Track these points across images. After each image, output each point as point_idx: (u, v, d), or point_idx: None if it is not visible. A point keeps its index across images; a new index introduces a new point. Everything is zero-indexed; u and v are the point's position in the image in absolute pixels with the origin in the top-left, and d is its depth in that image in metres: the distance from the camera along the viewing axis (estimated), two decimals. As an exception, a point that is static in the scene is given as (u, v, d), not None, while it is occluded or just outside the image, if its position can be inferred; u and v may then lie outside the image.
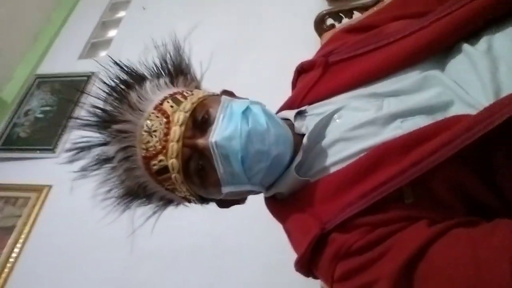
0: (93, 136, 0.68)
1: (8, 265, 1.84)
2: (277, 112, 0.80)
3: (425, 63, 0.65)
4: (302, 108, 0.75)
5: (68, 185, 2.04)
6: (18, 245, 1.89)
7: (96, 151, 0.68)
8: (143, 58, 0.71)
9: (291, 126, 0.73)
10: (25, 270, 1.84)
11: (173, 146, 0.62)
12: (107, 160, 0.68)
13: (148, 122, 0.64)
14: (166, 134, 0.63)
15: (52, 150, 2.19)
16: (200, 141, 0.62)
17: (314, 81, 0.75)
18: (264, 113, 0.66)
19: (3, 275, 1.81)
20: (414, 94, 0.63)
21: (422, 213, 0.55)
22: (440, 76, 0.62)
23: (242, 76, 2.06)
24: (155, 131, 0.63)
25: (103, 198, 0.70)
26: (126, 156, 0.66)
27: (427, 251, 0.50)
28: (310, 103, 0.75)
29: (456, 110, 0.58)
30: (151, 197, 0.71)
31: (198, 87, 0.77)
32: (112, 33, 2.88)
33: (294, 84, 0.86)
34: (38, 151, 2.23)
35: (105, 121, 0.67)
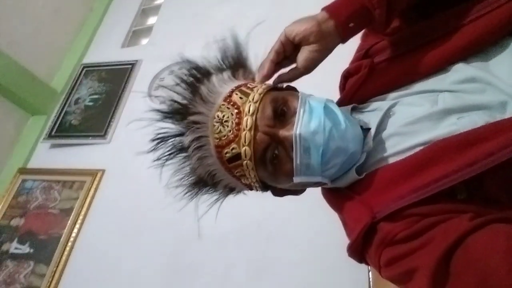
0: (170, 127, 0.73)
1: (69, 243, 1.97)
2: None
3: (472, 57, 0.66)
4: (355, 105, 0.77)
5: (119, 170, 2.14)
6: (77, 226, 2.02)
7: (173, 141, 0.73)
8: (205, 53, 0.75)
9: None
10: (84, 248, 1.97)
11: (246, 135, 0.65)
12: (182, 149, 0.73)
13: (219, 113, 0.68)
14: (238, 124, 0.65)
15: (103, 137, 2.29)
16: (282, 132, 0.65)
17: (361, 81, 0.77)
18: (341, 112, 0.68)
19: (65, 253, 1.95)
20: (468, 94, 0.64)
21: (471, 208, 0.56)
22: (488, 77, 0.62)
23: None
24: (226, 121, 0.66)
25: (176, 185, 0.75)
26: (199, 145, 0.70)
27: (465, 241, 0.51)
28: (359, 103, 0.78)
29: (511, 110, 0.59)
30: (217, 185, 0.75)
31: (254, 79, 0.79)
32: (152, 20, 2.94)
33: (341, 88, 0.87)
34: (90, 138, 2.33)
35: (180, 113, 0.71)
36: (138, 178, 2.02)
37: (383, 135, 0.69)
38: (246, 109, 0.66)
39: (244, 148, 0.65)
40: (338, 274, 1.45)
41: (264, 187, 0.75)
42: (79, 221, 2.03)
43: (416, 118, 0.65)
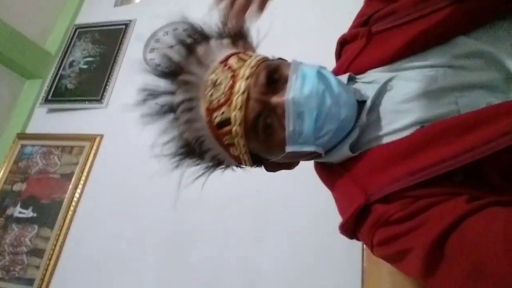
0: (160, 84, 0.70)
1: (72, 208, 2.00)
2: None
3: (478, 30, 0.62)
4: (351, 74, 0.74)
5: (118, 135, 2.12)
6: (78, 190, 2.04)
7: (162, 99, 0.70)
8: (206, 18, 0.71)
9: None
10: (86, 212, 2.00)
11: (238, 99, 0.62)
12: (171, 109, 0.70)
13: (213, 76, 0.66)
14: (231, 87, 0.63)
15: (100, 101, 2.26)
16: (275, 99, 0.63)
17: (358, 51, 0.74)
18: (334, 78, 0.66)
19: (68, 217, 1.98)
20: (470, 71, 0.61)
21: (467, 190, 0.55)
22: (493, 52, 0.59)
23: (281, 27, 1.99)
24: (219, 84, 0.64)
25: (160, 149, 0.73)
26: (190, 107, 0.67)
27: (461, 224, 0.50)
28: (356, 73, 0.74)
29: None
30: (204, 154, 0.72)
31: (254, 51, 0.77)
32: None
33: (337, 55, 0.84)
34: (86, 102, 2.30)
35: (173, 71, 0.69)
36: (136, 142, 2.01)
37: (379, 111, 0.67)
38: (241, 73, 0.64)
39: (234, 112, 0.63)
40: (334, 241, 1.46)
41: (254, 160, 0.73)
42: (80, 186, 2.05)
43: (414, 94, 0.63)
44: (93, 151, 2.11)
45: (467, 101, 0.58)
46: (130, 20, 2.50)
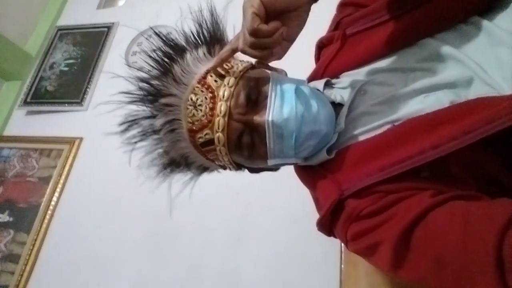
0: (141, 109, 0.72)
1: (49, 212, 1.96)
2: None
3: (442, 33, 0.66)
4: (328, 79, 0.76)
5: (98, 138, 2.09)
6: (56, 194, 2.00)
7: (144, 123, 0.72)
8: (179, 26, 0.72)
9: None
10: (64, 217, 1.96)
11: (220, 121, 0.64)
12: (154, 132, 0.72)
13: (193, 96, 0.66)
14: (212, 109, 0.65)
15: (80, 103, 2.23)
16: (256, 118, 0.65)
17: (334, 54, 0.76)
18: (312, 94, 0.68)
19: (45, 221, 1.94)
20: (437, 72, 0.63)
21: (433, 186, 0.58)
22: (457, 54, 0.62)
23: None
24: (200, 105, 0.65)
25: (148, 166, 0.75)
26: (172, 128, 0.69)
27: (426, 217, 0.53)
28: (332, 76, 0.77)
29: (476, 88, 0.59)
30: (190, 166, 0.76)
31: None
32: (129, -21, 2.79)
33: (316, 59, 0.87)
34: (66, 104, 2.26)
35: (151, 95, 0.70)
36: (116, 146, 1.99)
37: (354, 114, 0.70)
38: (221, 94, 0.65)
39: (217, 134, 0.65)
40: (313, 243, 1.48)
41: (239, 167, 0.76)
42: (58, 189, 2.01)
43: (386, 97, 0.66)
44: (72, 154, 2.08)
45: (432, 100, 0.61)
46: (112, 23, 2.49)
